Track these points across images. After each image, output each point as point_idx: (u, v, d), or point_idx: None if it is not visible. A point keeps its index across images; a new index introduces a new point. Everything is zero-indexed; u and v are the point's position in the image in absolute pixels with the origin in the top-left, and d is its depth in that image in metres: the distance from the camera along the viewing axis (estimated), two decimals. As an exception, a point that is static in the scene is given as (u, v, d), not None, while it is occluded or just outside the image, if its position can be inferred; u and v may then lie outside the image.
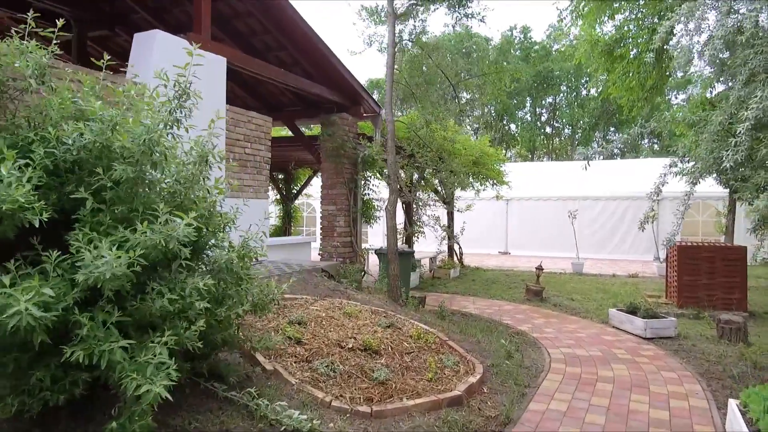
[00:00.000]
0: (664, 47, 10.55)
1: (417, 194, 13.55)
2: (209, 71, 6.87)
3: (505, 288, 11.98)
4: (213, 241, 3.65)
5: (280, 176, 17.82)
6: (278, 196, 18.00)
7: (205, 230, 3.54)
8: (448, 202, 15.60)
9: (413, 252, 9.09)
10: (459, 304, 9.84)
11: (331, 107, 10.02)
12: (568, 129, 42.02)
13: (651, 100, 11.02)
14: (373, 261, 12.64)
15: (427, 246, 22.10)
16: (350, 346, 4.90)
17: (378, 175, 10.45)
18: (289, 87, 9.22)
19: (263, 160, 7.90)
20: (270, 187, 18.20)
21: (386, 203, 7.64)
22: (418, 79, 13.85)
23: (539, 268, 10.46)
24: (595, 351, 6.56)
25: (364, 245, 9.63)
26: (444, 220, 14.96)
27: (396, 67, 10.87)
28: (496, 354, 5.95)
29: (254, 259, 3.94)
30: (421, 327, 6.01)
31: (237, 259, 3.57)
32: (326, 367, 4.36)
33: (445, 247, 16.18)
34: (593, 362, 6.05)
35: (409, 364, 4.87)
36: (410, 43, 8.93)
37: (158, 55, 6.20)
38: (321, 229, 10.24)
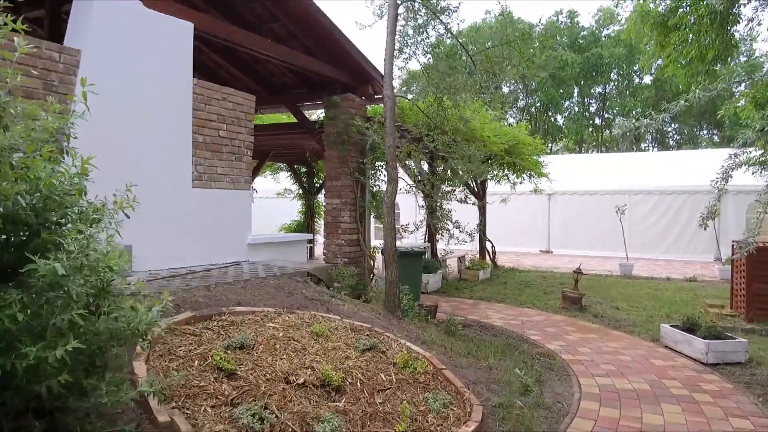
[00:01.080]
0: (730, 11, 8.87)
1: (440, 187, 12.20)
2: (170, 37, 5.78)
3: (539, 293, 10.52)
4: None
5: (303, 169, 16.78)
6: (300, 191, 16.96)
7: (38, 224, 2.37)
8: (479, 196, 14.17)
9: (423, 252, 7.83)
10: (481, 312, 8.48)
11: (336, 88, 8.82)
12: (620, 120, 39.58)
13: (713, 75, 9.34)
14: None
15: (458, 244, 20.69)
16: (301, 380, 3.68)
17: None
18: (285, 63, 8.07)
19: (244, 144, 6.77)
20: (292, 182, 17.19)
21: (384, 195, 6.41)
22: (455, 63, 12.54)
23: (578, 272, 8.98)
24: (641, 382, 5.13)
25: (376, 243, 8.42)
26: (465, 216, 13.56)
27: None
28: (509, 387, 4.62)
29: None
30: (414, 349, 4.74)
31: (75, 271, 2.37)
32: (253, 415, 3.15)
33: (475, 246, 14.80)
34: (637, 401, 4.63)
35: (378, 408, 3.62)
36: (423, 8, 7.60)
37: (98, 17, 5.14)
38: (324, 225, 9.07)
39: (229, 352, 3.86)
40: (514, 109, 41.41)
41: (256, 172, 14.84)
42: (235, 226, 6.67)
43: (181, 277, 5.46)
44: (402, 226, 8.28)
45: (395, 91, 8.59)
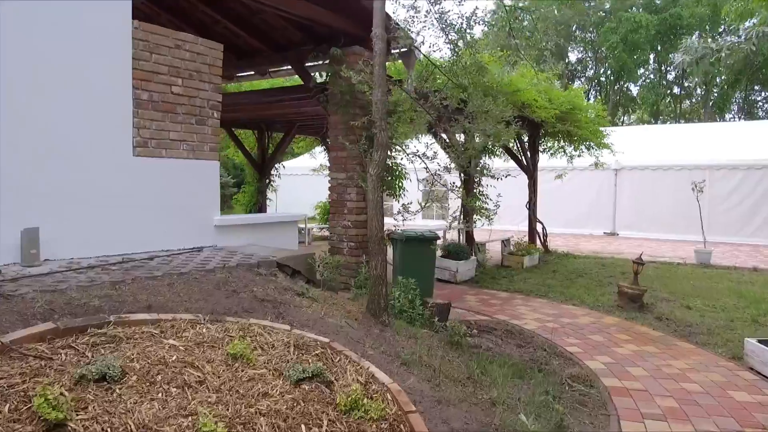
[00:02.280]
0: None
1: (480, 160, 10.60)
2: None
3: (592, 285, 8.83)
4: None
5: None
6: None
7: None
8: (529, 170, 12.43)
9: (435, 237, 6.35)
10: (512, 311, 6.96)
11: (344, 40, 7.42)
12: (701, 89, 35.81)
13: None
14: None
15: (509, 222, 18.92)
16: (163, 441, 2.41)
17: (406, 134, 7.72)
18: (279, 11, 6.73)
19: (208, 104, 5.53)
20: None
21: (370, 166, 5.00)
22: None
23: (638, 262, 7.25)
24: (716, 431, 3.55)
25: (395, 226, 7.04)
26: (511, 193, 11.95)
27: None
28: (511, 438, 3.18)
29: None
30: (377, 378, 3.37)
31: None
32: None
33: (524, 227, 13.13)
34: (708, 469, 3.09)
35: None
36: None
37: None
38: (330, 203, 7.77)
39: (76, 387, 2.63)
40: (582, 79, 38.42)
41: (279, 148, 13.69)
42: (196, 204, 5.46)
43: (102, 267, 4.31)
44: (404, 205, 6.86)
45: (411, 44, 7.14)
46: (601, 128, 12.14)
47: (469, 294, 8.01)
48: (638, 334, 5.98)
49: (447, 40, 5.94)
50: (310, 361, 3.38)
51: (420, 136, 8.69)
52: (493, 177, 10.53)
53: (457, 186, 8.90)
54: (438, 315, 5.63)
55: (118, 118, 4.82)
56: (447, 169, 9.66)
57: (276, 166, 14.09)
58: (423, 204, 6.31)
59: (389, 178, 7.73)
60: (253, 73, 9.64)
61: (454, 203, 9.24)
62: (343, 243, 7.50)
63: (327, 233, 15.83)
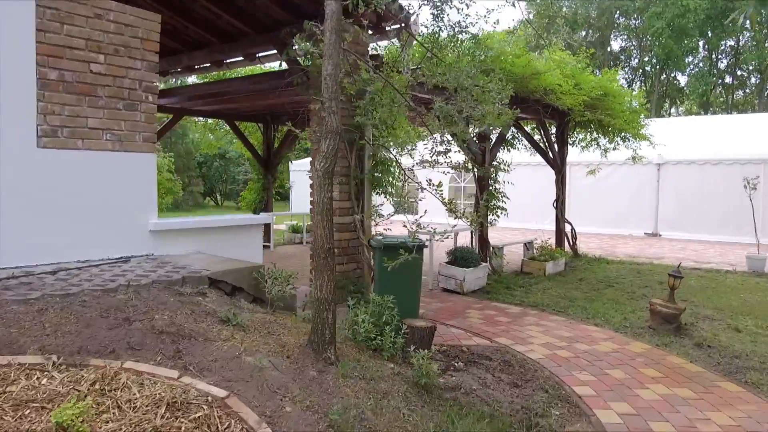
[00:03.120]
0: None
1: (497, 154, 9.44)
2: None
3: (622, 298, 7.60)
4: None
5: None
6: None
7: None
8: (557, 164, 11.18)
9: (420, 246, 5.24)
10: (519, 333, 5.84)
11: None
12: (756, 77, 33.30)
13: None
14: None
15: (536, 221, 17.60)
16: None
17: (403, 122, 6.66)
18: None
19: (140, 86, 4.63)
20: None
21: (316, 157, 3.98)
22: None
23: (675, 275, 6.01)
24: None
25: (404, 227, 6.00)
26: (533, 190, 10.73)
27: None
28: None
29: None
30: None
31: None
32: None
33: (550, 226, 11.90)
34: None
35: None
36: None
37: None
38: (311, 203, 6.80)
39: None
40: (625, 69, 36.33)
41: (285, 142, 12.80)
42: (125, 204, 4.57)
43: (-27, 287, 3.45)
44: (378, 206, 5.83)
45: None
46: (641, 118, 10.78)
47: (473, 308, 6.92)
48: (671, 368, 4.79)
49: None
50: (182, 429, 2.42)
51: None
52: (505, 171, 9.42)
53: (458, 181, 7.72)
54: (417, 342, 4.59)
55: (16, 101, 3.96)
56: (465, 167, 8.63)
57: (289, 162, 13.26)
58: (396, 209, 5.27)
59: (378, 174, 6.73)
60: (241, 58, 8.75)
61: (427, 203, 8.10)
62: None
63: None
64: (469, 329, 5.92)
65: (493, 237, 14.98)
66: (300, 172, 22.83)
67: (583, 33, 34.69)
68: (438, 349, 5.00)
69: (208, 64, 9.13)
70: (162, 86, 10.24)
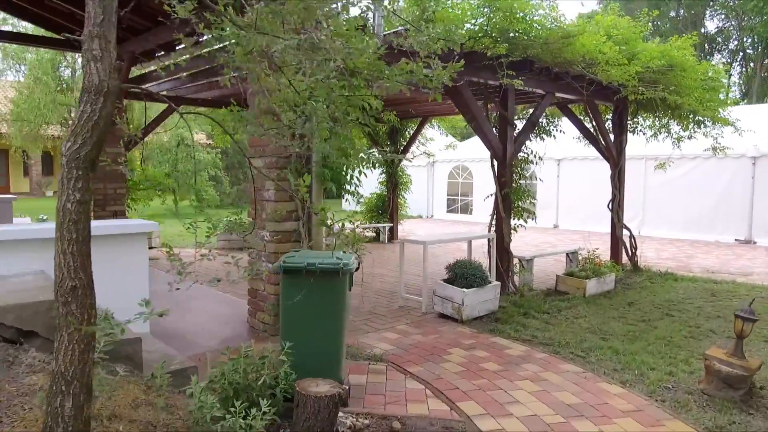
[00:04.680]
0: None
1: (524, 142, 7.54)
2: None
3: (679, 337, 5.58)
4: None
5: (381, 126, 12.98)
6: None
7: None
8: (613, 157, 9.09)
9: (336, 270, 3.56)
10: (501, 395, 4.06)
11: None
12: None
13: None
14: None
15: (589, 223, 15.28)
16: None
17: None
18: None
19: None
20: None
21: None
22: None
23: (745, 317, 4.01)
24: None
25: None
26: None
27: None
28: None
29: None
30: None
31: None
32: None
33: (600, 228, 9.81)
34: None
35: None
36: None
37: None
38: (250, 205, 5.33)
39: None
40: (723, 53, 32.23)
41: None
42: None
43: None
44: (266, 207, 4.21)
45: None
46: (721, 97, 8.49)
47: (461, 345, 5.19)
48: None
49: None
50: None
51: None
52: (532, 163, 7.55)
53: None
54: (311, 420, 3.02)
55: None
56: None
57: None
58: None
59: (331, 168, 5.14)
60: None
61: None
62: (261, 261, 5.06)
63: (370, 233, 13.53)
64: (432, 383, 4.23)
65: (538, 240, 13.01)
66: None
67: (673, 13, 31.06)
68: (351, 426, 3.38)
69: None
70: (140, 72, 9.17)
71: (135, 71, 9.18)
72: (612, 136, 9.17)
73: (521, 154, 7.67)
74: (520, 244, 13.04)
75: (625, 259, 9.33)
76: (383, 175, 13.25)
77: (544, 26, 6.28)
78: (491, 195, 7.63)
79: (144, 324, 4.38)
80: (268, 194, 4.94)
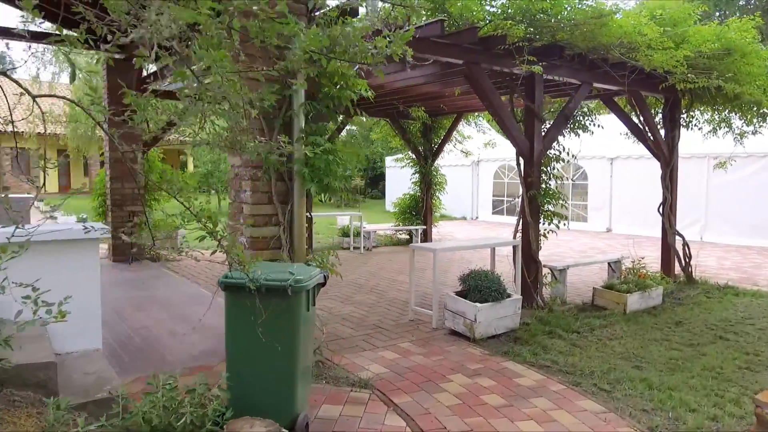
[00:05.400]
0: None
1: (556, 138, 6.71)
2: None
3: (731, 368, 4.68)
4: None
5: (412, 124, 12.33)
6: (413, 154, 12.57)
7: None
8: (664, 155, 8.11)
9: (281, 287, 2.97)
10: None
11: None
12: None
13: None
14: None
15: (641, 226, 14.09)
16: None
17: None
18: None
19: None
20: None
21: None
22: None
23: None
24: None
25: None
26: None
27: None
28: None
29: None
30: None
31: None
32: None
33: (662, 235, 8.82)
34: None
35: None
36: None
37: None
38: (230, 206, 4.82)
39: None
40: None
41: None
42: None
43: None
44: None
45: None
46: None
47: (465, 371, 4.50)
48: None
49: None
50: None
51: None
52: (564, 162, 6.76)
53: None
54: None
55: None
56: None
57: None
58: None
59: (326, 165, 4.53)
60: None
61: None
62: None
63: (403, 236, 12.84)
64: (416, 419, 3.58)
65: (586, 245, 12.01)
66: (393, 168, 21.12)
67: (743, 1, 28.75)
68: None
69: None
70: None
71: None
72: (663, 132, 8.19)
73: (552, 151, 6.86)
74: (565, 249, 12.12)
75: (678, 269, 8.32)
76: (416, 175, 12.60)
77: (573, 5, 5.49)
78: (518, 197, 6.86)
79: (94, 339, 3.94)
80: (244, 195, 4.42)
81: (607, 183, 16.24)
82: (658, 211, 8.32)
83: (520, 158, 6.60)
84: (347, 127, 12.00)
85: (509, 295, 5.64)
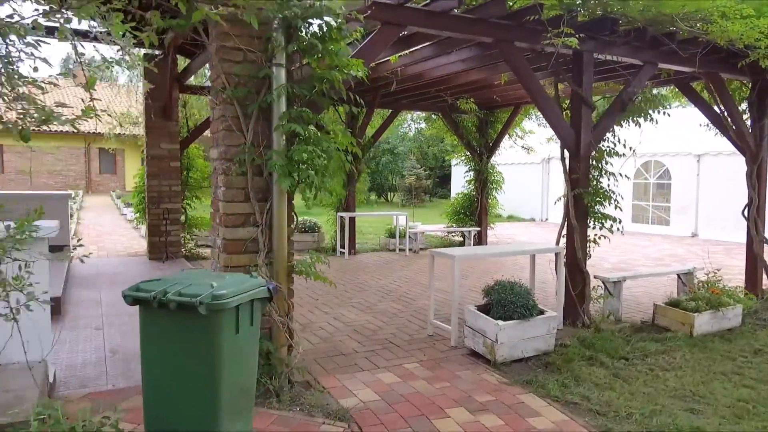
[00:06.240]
0: None
1: (609, 128, 5.73)
2: None
3: (818, 417, 3.64)
4: None
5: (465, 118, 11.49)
6: (467, 151, 11.72)
7: None
8: (750, 148, 6.88)
9: (193, 302, 2.39)
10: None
11: None
12: None
13: None
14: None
15: (739, 231, 12.42)
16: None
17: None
18: None
19: None
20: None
21: None
22: None
23: None
24: None
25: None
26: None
27: None
28: None
29: None
30: None
31: None
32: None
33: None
34: None
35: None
36: None
37: None
38: (212, 204, 4.31)
39: None
40: None
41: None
42: None
43: None
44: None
45: None
46: None
47: (467, 406, 3.75)
48: None
49: None
50: None
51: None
52: (616, 155, 5.82)
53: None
54: None
55: None
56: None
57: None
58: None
59: (309, 157, 3.90)
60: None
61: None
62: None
63: (457, 238, 11.99)
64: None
65: (664, 252, 10.67)
66: (459, 166, 20.26)
67: None
68: None
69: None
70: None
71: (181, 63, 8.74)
72: (749, 122, 6.95)
73: (607, 144, 5.90)
74: (638, 256, 10.89)
75: (766, 283, 7.05)
76: (470, 173, 11.76)
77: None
78: (563, 197, 5.98)
79: (40, 349, 3.55)
80: (219, 192, 3.91)
81: (694, 182, 14.63)
82: (743, 214, 7.09)
83: (565, 151, 5.71)
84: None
85: (541, 312, 4.79)
